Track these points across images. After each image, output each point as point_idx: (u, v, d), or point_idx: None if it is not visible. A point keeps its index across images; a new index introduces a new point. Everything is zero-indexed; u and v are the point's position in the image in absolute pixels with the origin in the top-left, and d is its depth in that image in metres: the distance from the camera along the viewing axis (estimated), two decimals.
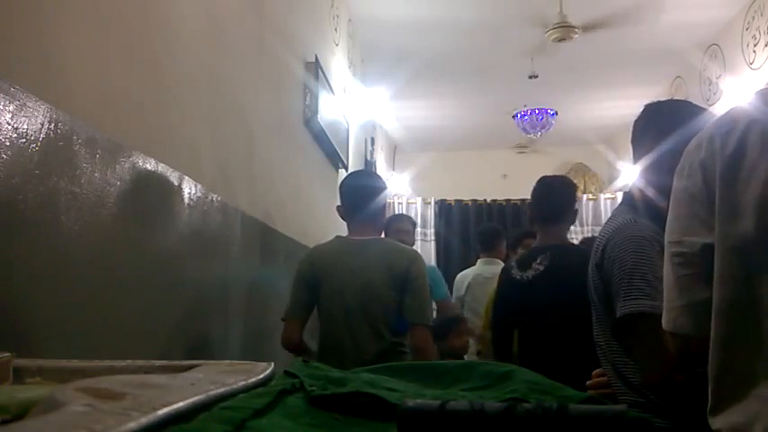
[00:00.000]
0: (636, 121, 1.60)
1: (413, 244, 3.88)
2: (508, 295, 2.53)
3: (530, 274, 2.42)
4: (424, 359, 2.15)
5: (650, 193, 1.51)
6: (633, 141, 1.59)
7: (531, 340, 2.40)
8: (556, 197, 2.51)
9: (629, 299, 1.31)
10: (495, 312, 2.69)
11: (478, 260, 4.08)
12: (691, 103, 1.62)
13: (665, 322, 0.95)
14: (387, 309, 2.22)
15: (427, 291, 2.33)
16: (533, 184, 2.59)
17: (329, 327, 2.27)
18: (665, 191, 1.49)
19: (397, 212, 6.29)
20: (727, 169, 0.85)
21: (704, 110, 1.56)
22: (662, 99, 1.62)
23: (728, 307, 0.83)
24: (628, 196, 1.56)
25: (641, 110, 1.59)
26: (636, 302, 1.29)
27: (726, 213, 0.84)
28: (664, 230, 1.40)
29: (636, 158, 1.57)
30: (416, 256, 2.37)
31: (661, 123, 1.52)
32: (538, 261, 2.41)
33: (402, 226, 3.83)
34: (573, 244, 2.90)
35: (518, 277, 2.45)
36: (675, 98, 1.55)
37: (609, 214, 1.65)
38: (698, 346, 0.89)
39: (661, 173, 1.49)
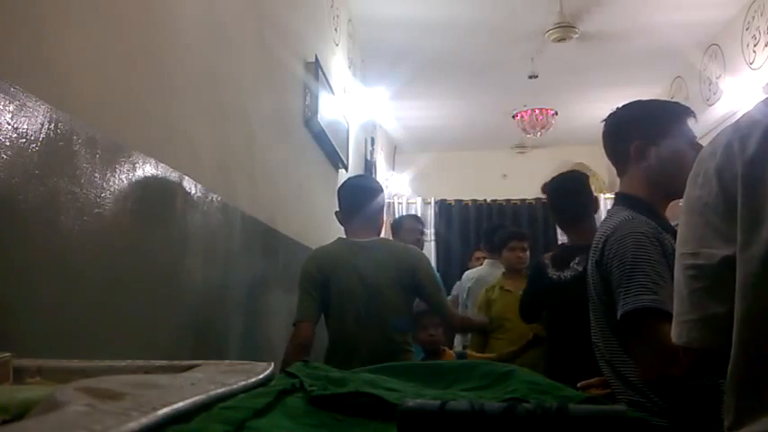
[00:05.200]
0: (607, 134, 1.60)
1: (422, 245, 3.90)
2: (542, 294, 2.50)
3: (568, 274, 2.37)
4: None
5: (647, 191, 1.51)
6: (614, 149, 1.59)
7: (565, 340, 2.36)
8: (573, 198, 2.48)
9: (629, 296, 1.30)
10: (525, 308, 2.69)
11: (485, 261, 4.00)
12: (656, 100, 1.62)
13: (675, 336, 0.92)
14: (395, 311, 2.25)
15: (439, 282, 2.46)
16: (533, 184, 2.58)
17: (340, 327, 2.28)
18: (663, 189, 1.51)
19: (396, 213, 6.31)
20: (749, 172, 0.82)
21: (669, 102, 1.58)
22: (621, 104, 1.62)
23: (753, 317, 0.80)
24: (623, 195, 1.55)
25: (610, 120, 1.61)
26: (637, 299, 1.28)
27: (748, 219, 0.81)
28: (662, 228, 1.42)
29: (621, 165, 1.57)
30: (419, 253, 2.45)
31: (642, 125, 1.53)
32: (576, 261, 2.36)
33: (415, 226, 3.87)
34: None
35: (555, 277, 2.42)
36: (640, 99, 1.58)
37: None
38: (710, 360, 0.87)
39: (660, 173, 1.49)
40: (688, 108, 1.56)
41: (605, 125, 1.62)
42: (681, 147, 1.49)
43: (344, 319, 2.26)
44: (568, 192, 2.50)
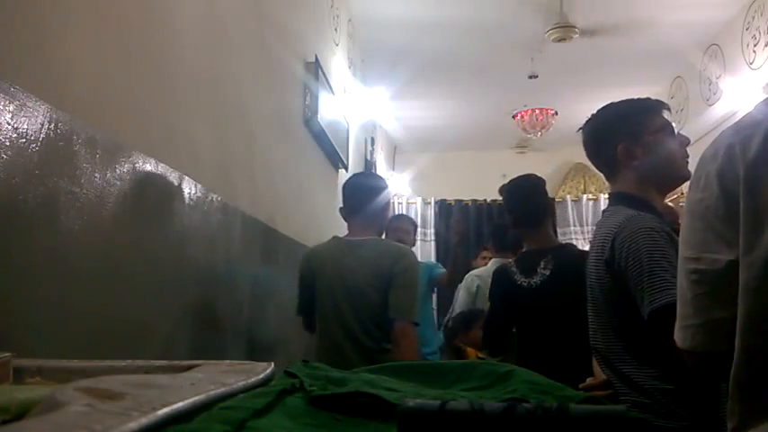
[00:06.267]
0: (590, 141, 1.60)
1: (412, 244, 3.88)
2: (513, 301, 2.44)
3: (537, 279, 2.35)
4: (402, 357, 2.09)
5: (641, 189, 1.51)
6: (599, 154, 1.59)
7: (538, 345, 2.33)
8: (533, 200, 2.46)
9: (655, 292, 1.27)
10: (493, 317, 2.55)
11: (491, 260, 3.88)
12: (629, 99, 1.61)
13: (679, 340, 0.92)
14: (374, 309, 2.22)
15: (414, 288, 2.28)
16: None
17: (324, 325, 2.31)
18: (656, 185, 1.51)
19: (397, 212, 6.30)
20: (751, 174, 0.81)
21: (642, 98, 1.58)
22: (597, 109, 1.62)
23: (755, 320, 0.80)
24: (621, 195, 1.54)
25: (589, 127, 1.61)
26: (664, 294, 1.26)
27: (750, 222, 0.80)
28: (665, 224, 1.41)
29: (610, 168, 1.57)
30: (404, 253, 2.35)
31: (624, 126, 1.53)
32: (542, 266, 2.35)
33: (401, 225, 3.84)
34: (567, 244, 2.89)
35: (525, 284, 2.38)
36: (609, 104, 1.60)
37: None
38: (715, 363, 0.87)
39: (651, 169, 1.50)
40: (662, 101, 1.57)
41: (585, 133, 1.62)
42: (666, 140, 1.51)
43: (326, 317, 2.28)
44: (528, 194, 2.47)
